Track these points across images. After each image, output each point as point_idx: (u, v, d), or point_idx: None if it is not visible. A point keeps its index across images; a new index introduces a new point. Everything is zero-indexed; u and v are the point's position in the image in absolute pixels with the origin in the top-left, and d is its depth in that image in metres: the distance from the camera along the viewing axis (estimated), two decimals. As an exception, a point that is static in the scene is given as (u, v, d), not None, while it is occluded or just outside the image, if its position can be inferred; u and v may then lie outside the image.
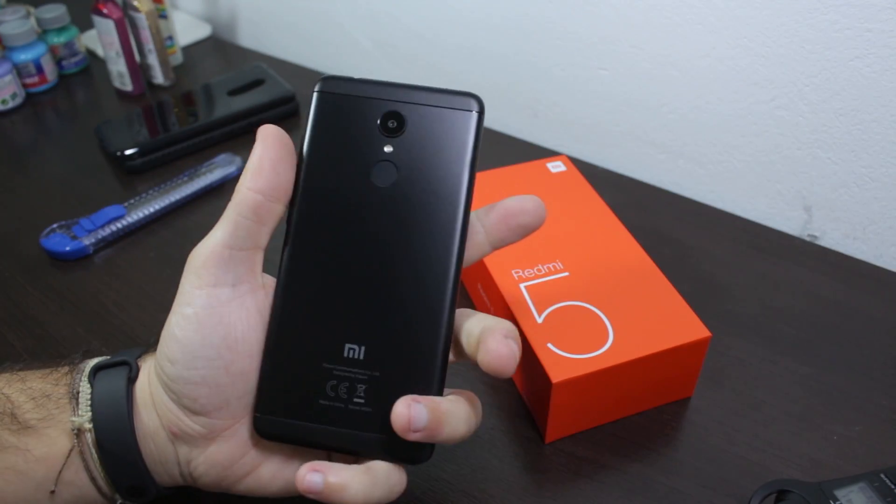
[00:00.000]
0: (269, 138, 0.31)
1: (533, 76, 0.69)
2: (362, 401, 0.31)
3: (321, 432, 0.31)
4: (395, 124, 0.32)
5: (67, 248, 0.56)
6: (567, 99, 0.68)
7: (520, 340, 0.30)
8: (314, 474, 0.29)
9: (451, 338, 0.32)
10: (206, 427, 0.31)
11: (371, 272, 0.31)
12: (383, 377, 0.31)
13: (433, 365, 0.31)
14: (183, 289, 0.31)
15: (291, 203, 0.32)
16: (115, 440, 0.32)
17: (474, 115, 0.32)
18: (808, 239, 0.60)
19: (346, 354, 0.31)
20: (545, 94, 0.69)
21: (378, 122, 0.32)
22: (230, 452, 0.32)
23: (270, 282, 0.33)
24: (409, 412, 0.29)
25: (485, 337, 0.30)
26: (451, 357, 0.32)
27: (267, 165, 0.30)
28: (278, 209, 0.31)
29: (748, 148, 0.60)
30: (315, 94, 0.32)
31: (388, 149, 0.32)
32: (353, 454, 0.31)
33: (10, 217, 0.61)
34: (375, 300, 0.31)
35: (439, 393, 0.31)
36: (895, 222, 0.56)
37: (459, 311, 0.32)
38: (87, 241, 0.56)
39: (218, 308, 0.30)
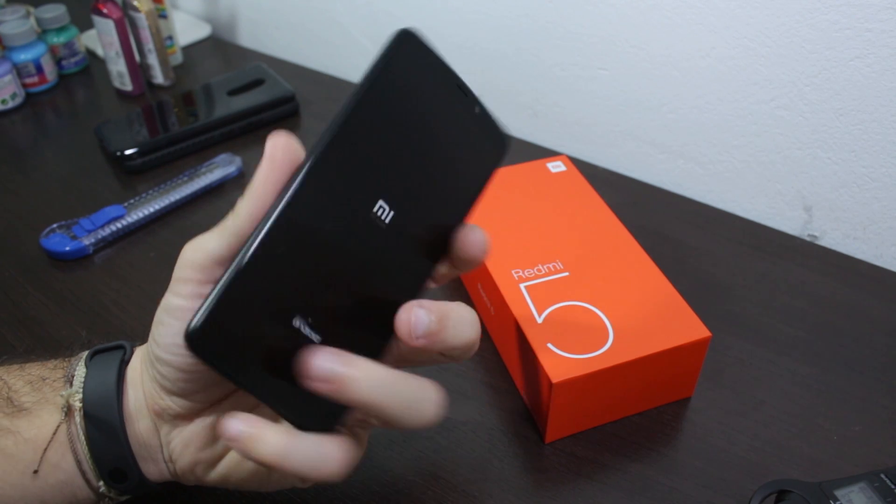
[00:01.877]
0: (278, 154, 0.29)
1: (533, 76, 0.69)
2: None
3: (250, 372, 0.28)
4: (464, 95, 0.32)
5: (67, 248, 0.56)
6: (567, 99, 0.68)
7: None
8: (234, 420, 0.28)
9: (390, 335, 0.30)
10: (183, 408, 0.32)
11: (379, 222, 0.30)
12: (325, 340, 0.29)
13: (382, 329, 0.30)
14: (174, 277, 0.30)
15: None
16: (102, 416, 0.32)
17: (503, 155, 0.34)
18: (808, 239, 0.60)
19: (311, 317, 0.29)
20: (545, 94, 0.69)
21: (456, 85, 0.32)
22: (204, 433, 0.32)
23: None
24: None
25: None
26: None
27: (270, 189, 0.29)
28: None
29: (748, 148, 0.60)
30: (394, 42, 0.30)
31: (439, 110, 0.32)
32: (262, 401, 0.29)
33: (10, 217, 0.61)
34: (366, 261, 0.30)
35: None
36: (895, 222, 0.56)
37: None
38: (87, 241, 0.56)
39: (198, 302, 0.30)
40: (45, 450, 0.32)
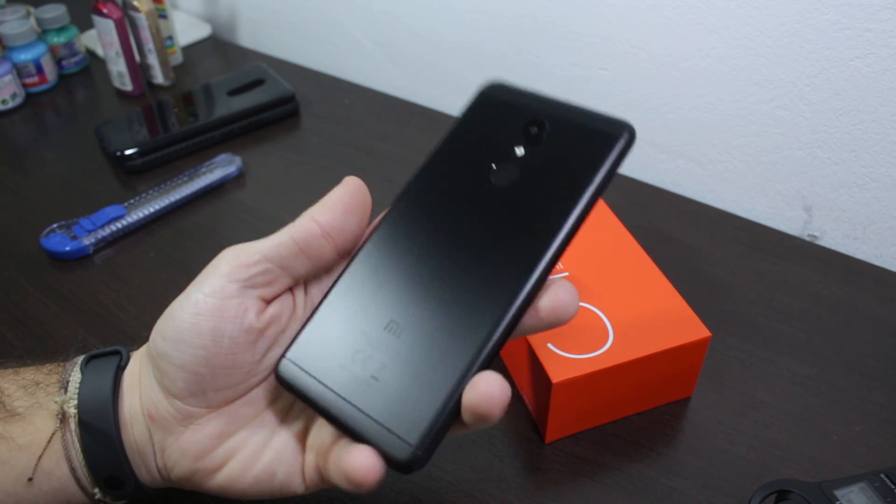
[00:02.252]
0: (352, 186, 0.31)
1: (533, 76, 0.69)
2: (377, 379, 0.30)
3: (328, 398, 0.30)
4: (536, 131, 0.31)
5: (67, 248, 0.56)
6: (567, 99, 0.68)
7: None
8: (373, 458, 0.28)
9: (494, 357, 0.30)
10: (180, 412, 0.31)
11: (440, 262, 0.31)
12: (406, 363, 0.30)
13: (459, 372, 0.29)
14: (201, 273, 0.31)
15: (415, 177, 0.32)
16: (97, 423, 0.32)
17: (619, 140, 0.30)
18: (808, 239, 0.60)
19: (385, 327, 0.30)
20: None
21: (521, 125, 0.32)
22: (201, 442, 0.32)
23: (280, 309, 0.32)
24: (495, 389, 0.27)
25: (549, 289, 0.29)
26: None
27: (339, 207, 0.31)
28: (328, 251, 0.31)
29: (748, 148, 0.60)
30: (476, 94, 0.33)
31: (519, 151, 0.31)
32: (344, 431, 0.30)
33: (10, 217, 0.61)
34: (438, 290, 0.30)
35: (456, 401, 0.29)
36: (895, 222, 0.56)
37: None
38: (87, 241, 0.56)
39: (219, 301, 0.30)
40: (40, 457, 0.32)
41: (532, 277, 0.29)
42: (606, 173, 0.30)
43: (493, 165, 0.31)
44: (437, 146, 0.33)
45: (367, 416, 0.29)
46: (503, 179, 0.31)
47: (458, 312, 0.30)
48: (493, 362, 0.29)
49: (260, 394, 0.33)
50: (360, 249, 0.32)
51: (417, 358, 0.30)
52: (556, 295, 0.29)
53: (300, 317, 0.33)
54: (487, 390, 0.27)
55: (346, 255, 0.32)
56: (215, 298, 0.30)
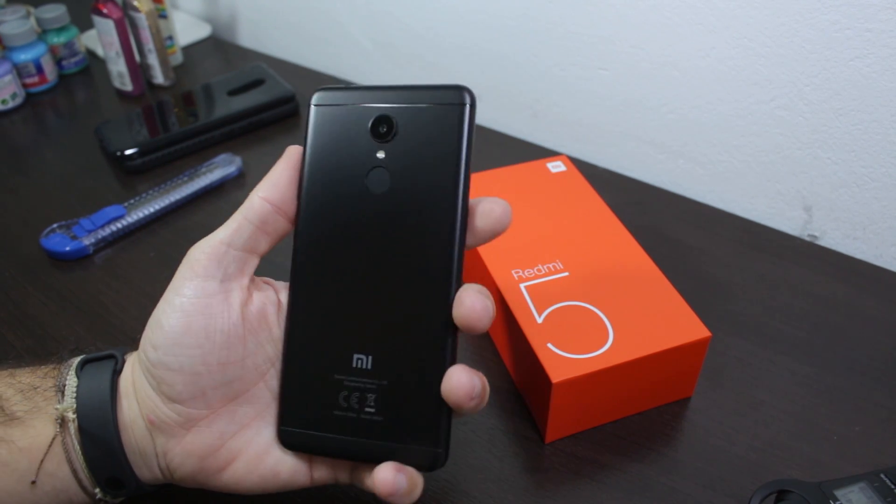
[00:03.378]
0: (295, 156, 0.33)
1: (533, 76, 0.69)
2: (373, 410, 0.31)
3: (339, 442, 0.32)
4: (386, 129, 0.32)
5: (67, 248, 0.56)
6: (567, 99, 0.68)
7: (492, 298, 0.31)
8: (399, 475, 0.31)
9: (457, 341, 0.32)
10: (182, 415, 0.32)
11: (373, 281, 0.32)
12: (391, 385, 0.31)
13: (439, 371, 0.31)
14: (176, 276, 0.32)
15: (296, 217, 0.33)
16: (97, 429, 0.32)
17: (465, 108, 0.31)
18: (808, 239, 0.60)
19: (354, 365, 0.32)
20: (545, 94, 0.69)
21: (369, 128, 0.32)
22: (205, 444, 0.32)
23: (262, 285, 0.34)
24: (469, 380, 0.30)
25: (459, 294, 0.31)
26: None
27: (284, 180, 0.32)
28: (283, 224, 0.33)
29: (748, 148, 0.60)
30: (312, 109, 0.33)
31: (380, 154, 0.32)
32: (370, 462, 0.32)
33: (10, 217, 0.61)
34: (379, 309, 0.31)
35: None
36: (895, 222, 0.56)
37: None
38: (87, 241, 0.56)
39: (203, 299, 0.31)
40: (42, 461, 0.32)
41: (454, 259, 0.31)
42: (468, 139, 0.31)
43: (366, 177, 0.32)
44: (306, 181, 0.32)
45: (383, 443, 0.31)
46: (381, 185, 0.32)
47: (410, 315, 0.31)
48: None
49: (258, 394, 0.33)
50: (290, 306, 0.33)
51: (396, 374, 0.31)
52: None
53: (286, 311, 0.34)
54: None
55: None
56: (200, 298, 0.31)
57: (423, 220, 0.31)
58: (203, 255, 0.31)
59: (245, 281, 0.32)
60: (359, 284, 0.32)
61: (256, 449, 0.33)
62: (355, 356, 0.31)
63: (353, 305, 0.32)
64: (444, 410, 0.31)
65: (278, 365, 0.34)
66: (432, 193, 0.31)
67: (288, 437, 0.32)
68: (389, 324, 0.31)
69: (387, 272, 0.31)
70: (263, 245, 0.33)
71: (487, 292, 0.31)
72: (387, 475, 0.30)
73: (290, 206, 0.32)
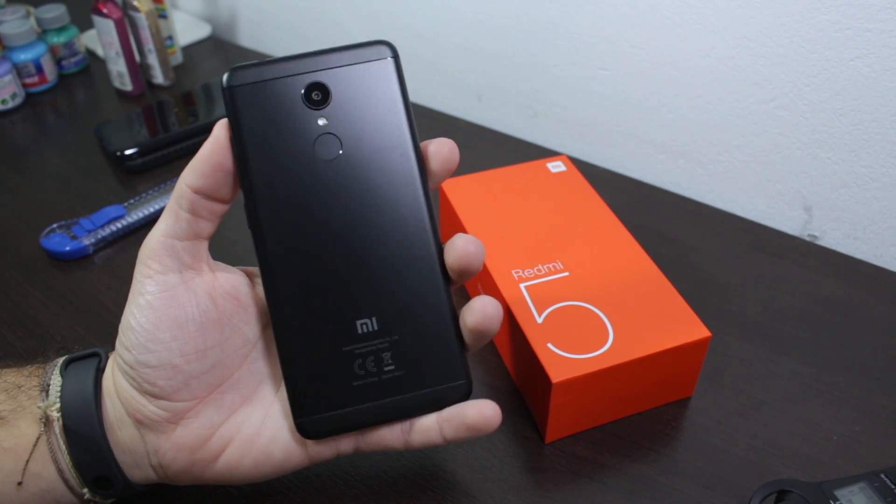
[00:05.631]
0: (221, 138, 0.31)
1: (533, 76, 0.69)
2: (393, 366, 0.32)
3: (368, 410, 0.32)
4: (320, 96, 0.31)
5: (67, 248, 0.56)
6: (567, 99, 0.68)
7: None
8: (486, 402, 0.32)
9: (449, 279, 0.32)
10: (168, 410, 0.32)
11: (352, 245, 0.32)
12: (402, 337, 0.32)
13: (444, 310, 0.32)
14: (135, 279, 0.32)
15: (249, 206, 0.32)
16: (82, 428, 0.32)
17: (390, 61, 0.32)
18: (808, 239, 0.60)
19: (360, 331, 0.32)
20: (545, 94, 0.69)
21: (302, 98, 0.31)
22: (195, 435, 0.32)
23: (219, 266, 0.34)
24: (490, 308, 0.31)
25: (451, 241, 0.32)
26: None
27: (208, 166, 0.31)
28: (217, 206, 0.32)
29: (748, 148, 0.60)
30: (230, 92, 0.31)
31: (321, 122, 0.31)
32: (403, 419, 0.32)
33: (10, 217, 0.61)
34: (367, 270, 0.32)
35: (457, 330, 0.32)
36: (895, 222, 0.56)
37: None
38: (87, 241, 0.56)
39: (167, 293, 0.31)
40: (27, 461, 0.32)
41: (423, 204, 0.32)
42: (403, 88, 0.32)
43: (314, 146, 0.31)
44: (252, 166, 0.31)
45: (414, 394, 0.32)
46: (331, 151, 0.32)
47: (400, 265, 0.32)
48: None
49: (242, 378, 0.33)
50: (270, 296, 0.32)
51: (405, 325, 0.32)
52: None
53: (260, 292, 0.33)
54: (482, 309, 0.31)
55: (233, 198, 0.32)
56: (163, 291, 0.31)
57: (383, 174, 0.32)
58: (153, 252, 0.31)
59: (203, 266, 0.32)
60: (339, 253, 0.32)
61: (247, 432, 0.33)
62: (358, 322, 0.32)
63: (340, 275, 0.32)
64: (460, 343, 0.32)
65: (260, 346, 0.34)
66: (386, 147, 0.32)
67: (311, 427, 0.32)
68: (382, 280, 0.32)
69: (363, 233, 0.31)
70: (206, 228, 0.32)
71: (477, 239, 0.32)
72: (483, 408, 0.32)
73: (221, 189, 0.31)
